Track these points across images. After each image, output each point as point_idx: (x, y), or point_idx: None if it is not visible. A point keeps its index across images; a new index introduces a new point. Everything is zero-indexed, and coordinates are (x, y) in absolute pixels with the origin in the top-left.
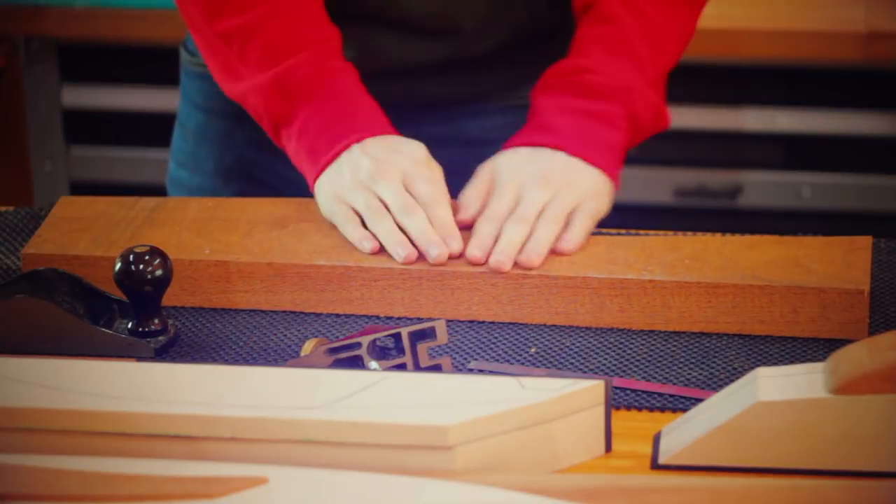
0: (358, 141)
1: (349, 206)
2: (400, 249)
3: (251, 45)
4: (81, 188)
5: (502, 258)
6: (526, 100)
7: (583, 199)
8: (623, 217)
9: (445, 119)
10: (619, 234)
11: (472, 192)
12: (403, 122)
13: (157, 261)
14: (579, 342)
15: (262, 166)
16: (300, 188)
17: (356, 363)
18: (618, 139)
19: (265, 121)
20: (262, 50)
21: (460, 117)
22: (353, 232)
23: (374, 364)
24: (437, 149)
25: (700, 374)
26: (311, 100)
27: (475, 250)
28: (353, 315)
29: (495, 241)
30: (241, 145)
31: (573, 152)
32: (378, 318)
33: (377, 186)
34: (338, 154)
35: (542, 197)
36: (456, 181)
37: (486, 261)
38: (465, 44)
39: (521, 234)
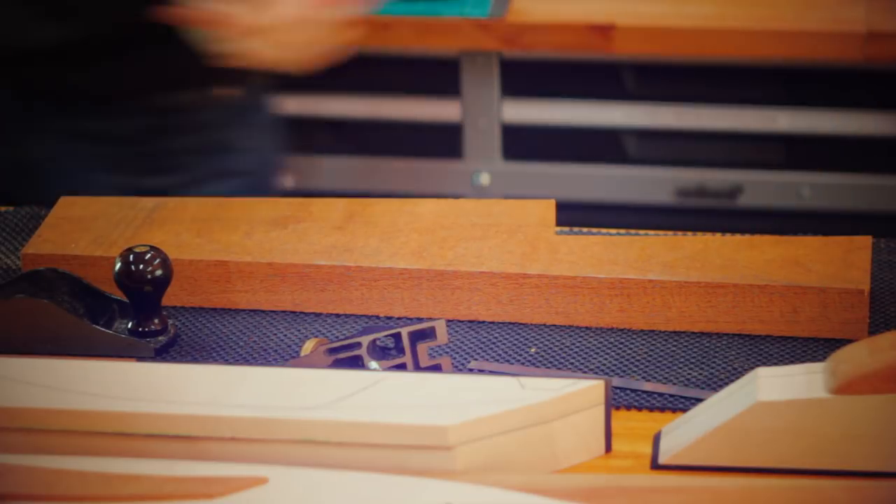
0: None
1: None
2: None
3: None
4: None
5: None
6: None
7: None
8: (623, 217)
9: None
10: (619, 234)
11: None
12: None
13: (157, 261)
14: (579, 342)
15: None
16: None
17: (356, 363)
18: None
19: None
20: None
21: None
22: None
23: (374, 364)
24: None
25: (700, 374)
26: None
27: None
28: (353, 315)
29: None
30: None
31: None
32: (378, 317)
33: None
34: None
35: None
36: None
37: None
38: None
39: None
